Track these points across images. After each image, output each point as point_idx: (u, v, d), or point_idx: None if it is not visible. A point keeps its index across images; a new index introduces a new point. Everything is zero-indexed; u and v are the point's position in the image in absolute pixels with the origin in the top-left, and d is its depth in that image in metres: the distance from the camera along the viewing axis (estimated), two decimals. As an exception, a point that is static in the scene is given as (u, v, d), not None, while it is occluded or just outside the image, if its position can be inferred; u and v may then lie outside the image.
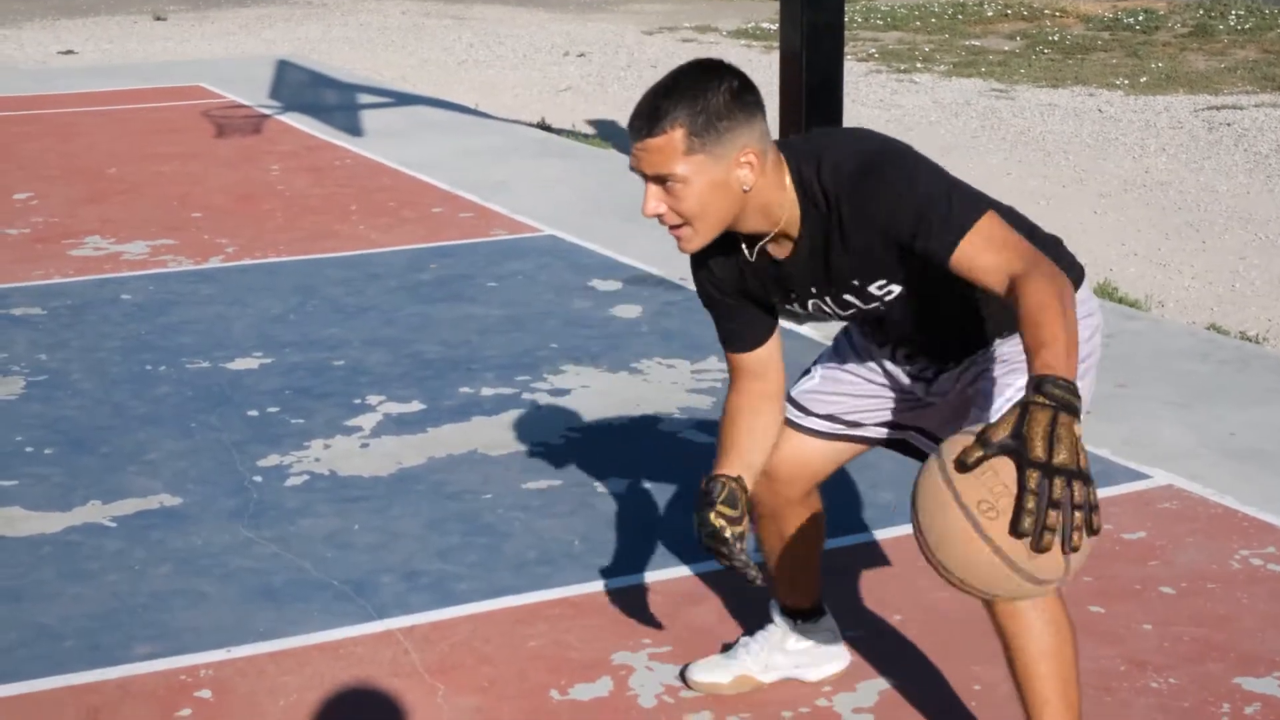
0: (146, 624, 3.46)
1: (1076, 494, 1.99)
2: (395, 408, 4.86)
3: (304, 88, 12.18)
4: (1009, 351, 2.58)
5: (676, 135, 2.37)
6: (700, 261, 2.67)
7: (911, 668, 3.20)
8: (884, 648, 3.28)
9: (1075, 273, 2.62)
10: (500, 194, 8.05)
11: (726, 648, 3.23)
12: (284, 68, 13.17)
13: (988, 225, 2.34)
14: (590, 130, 10.72)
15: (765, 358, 2.73)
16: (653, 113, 2.38)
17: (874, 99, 12.27)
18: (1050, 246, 2.61)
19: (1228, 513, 3.96)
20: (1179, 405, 4.78)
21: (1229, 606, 3.45)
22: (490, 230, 7.28)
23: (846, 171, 2.42)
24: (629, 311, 5.87)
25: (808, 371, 2.95)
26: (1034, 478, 1.99)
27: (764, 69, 12.66)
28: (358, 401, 4.92)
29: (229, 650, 3.33)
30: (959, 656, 3.21)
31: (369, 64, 14.29)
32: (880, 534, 3.84)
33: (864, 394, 2.84)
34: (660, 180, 2.40)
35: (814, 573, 3.07)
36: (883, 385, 2.83)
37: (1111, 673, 3.16)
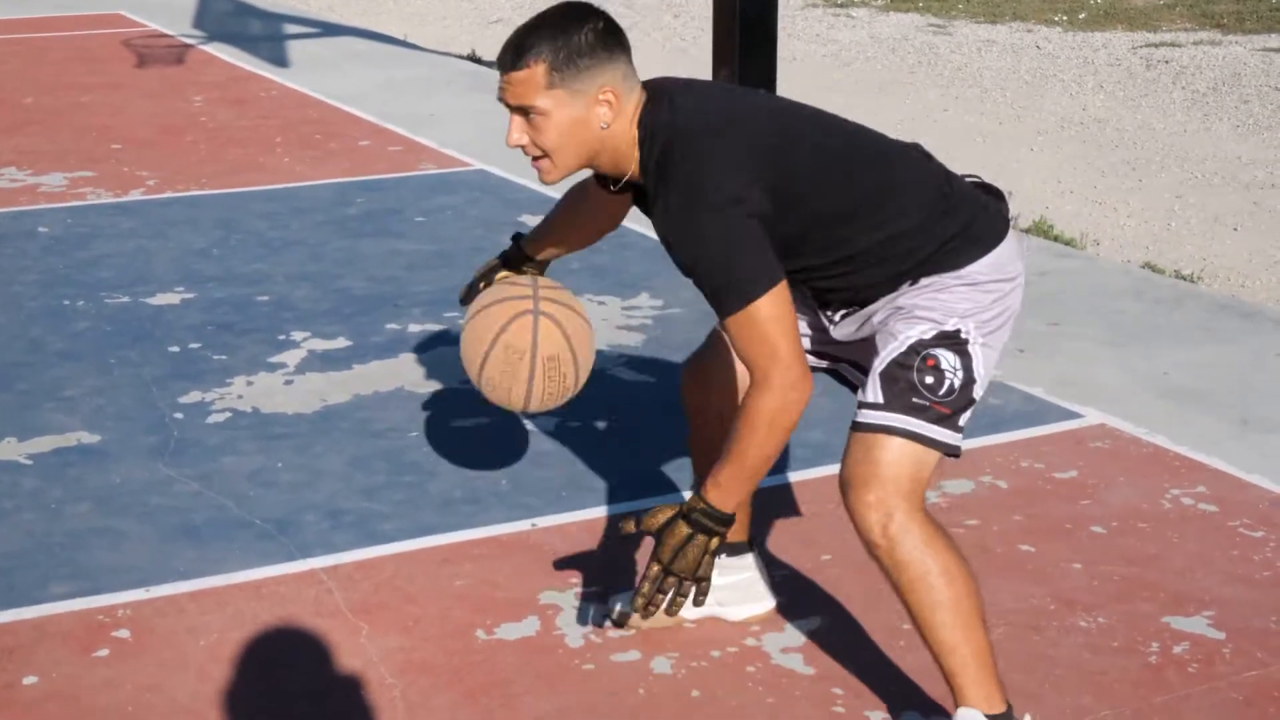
0: (63, 563, 3.38)
1: (682, 589, 2.54)
2: (320, 344, 4.77)
3: (227, 17, 11.94)
4: (907, 303, 2.60)
5: (538, 70, 2.49)
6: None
7: (840, 608, 3.18)
8: (812, 588, 3.26)
9: (995, 230, 2.62)
10: (429, 127, 7.92)
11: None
12: (208, -4, 12.92)
13: (763, 308, 2.44)
14: (523, 63, 10.56)
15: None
16: (518, 47, 2.51)
17: (810, 34, 12.20)
18: (970, 204, 2.62)
19: (1159, 452, 3.96)
20: (1112, 344, 4.77)
21: (1159, 546, 3.45)
22: (419, 164, 7.17)
23: (667, 180, 2.50)
24: (560, 247, 5.78)
25: None
26: (654, 569, 2.53)
27: (698, 2, 12.54)
28: (282, 338, 4.82)
29: (148, 589, 3.26)
30: (887, 596, 3.16)
31: (297, -7, 14.04)
32: (809, 473, 3.80)
33: (799, 317, 2.79)
34: (523, 112, 2.53)
35: (742, 505, 3.01)
36: (812, 312, 2.80)
37: (1040, 611, 3.15)
